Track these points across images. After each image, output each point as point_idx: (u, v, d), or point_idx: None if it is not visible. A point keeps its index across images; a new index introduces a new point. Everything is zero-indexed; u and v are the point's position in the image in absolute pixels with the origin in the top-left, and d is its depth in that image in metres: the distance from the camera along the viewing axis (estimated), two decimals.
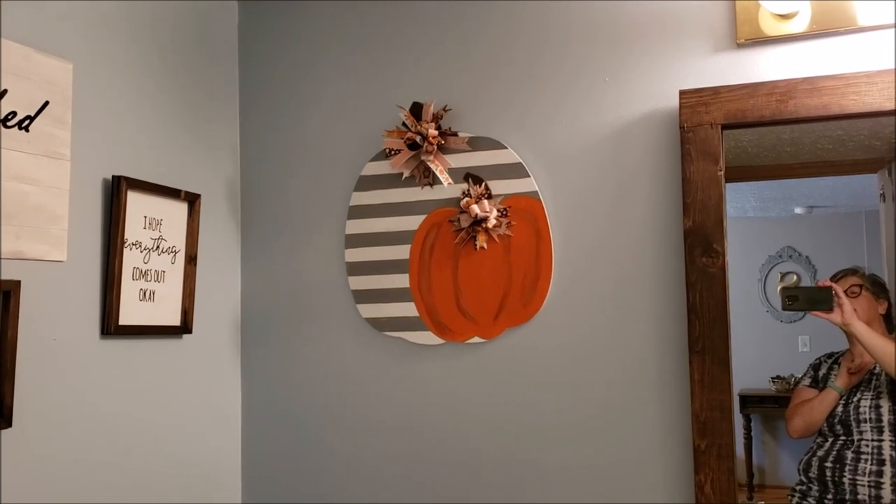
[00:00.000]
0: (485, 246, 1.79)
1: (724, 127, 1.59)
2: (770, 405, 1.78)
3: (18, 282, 1.38)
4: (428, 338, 1.85)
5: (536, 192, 1.76)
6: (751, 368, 1.72)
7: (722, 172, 1.59)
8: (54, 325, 1.49)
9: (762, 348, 1.76)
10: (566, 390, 1.73)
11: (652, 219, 1.68)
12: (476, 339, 1.81)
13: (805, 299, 1.61)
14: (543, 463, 1.73)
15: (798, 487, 1.64)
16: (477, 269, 1.80)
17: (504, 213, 1.77)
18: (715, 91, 1.60)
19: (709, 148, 1.60)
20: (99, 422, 1.59)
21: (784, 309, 1.62)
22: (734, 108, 1.59)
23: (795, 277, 1.77)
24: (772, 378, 1.75)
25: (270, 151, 2.02)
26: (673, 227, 1.65)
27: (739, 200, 1.75)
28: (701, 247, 1.59)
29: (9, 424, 1.37)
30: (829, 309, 1.58)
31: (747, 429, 1.79)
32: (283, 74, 2.02)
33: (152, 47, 1.76)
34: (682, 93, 1.62)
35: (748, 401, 1.76)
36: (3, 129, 1.38)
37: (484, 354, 1.81)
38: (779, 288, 1.75)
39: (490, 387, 1.79)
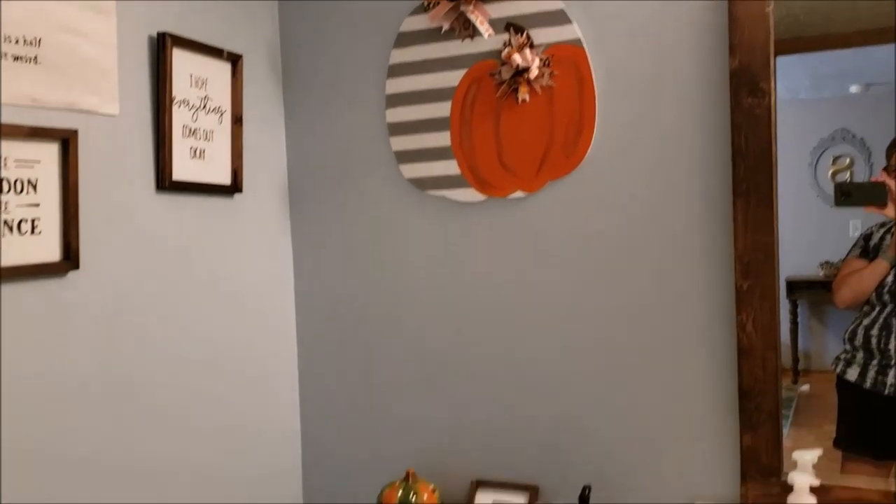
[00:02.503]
0: (527, 98, 1.78)
1: None
2: (818, 290, 1.77)
3: (75, 130, 1.43)
4: (470, 195, 1.87)
5: (579, 39, 1.74)
6: (799, 254, 1.70)
7: (770, 9, 1.55)
8: (111, 178, 1.55)
9: (812, 233, 1.74)
10: (609, 237, 1.75)
11: (697, 61, 1.65)
12: (518, 194, 1.83)
13: (858, 195, 1.61)
14: (587, 306, 1.78)
15: (843, 356, 1.66)
16: (519, 122, 1.81)
17: (546, 62, 1.76)
18: None
19: None
20: (156, 272, 1.66)
21: (837, 205, 1.62)
22: None
23: (848, 160, 1.74)
24: (820, 263, 1.74)
25: (309, 10, 2.01)
26: (718, 69, 1.63)
27: (791, 80, 1.69)
28: (747, 87, 1.57)
29: (77, 266, 1.45)
30: (884, 204, 1.57)
31: (793, 314, 1.79)
32: None
33: None
34: None
35: (795, 286, 1.75)
36: None
37: (526, 208, 1.83)
38: (830, 172, 1.73)
39: (533, 239, 1.82)
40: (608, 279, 1.76)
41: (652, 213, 1.71)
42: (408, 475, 1.79)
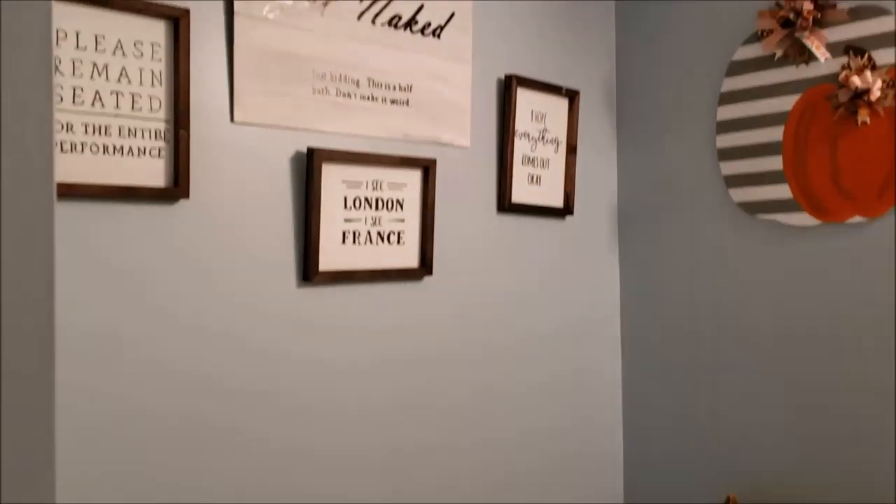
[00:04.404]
0: (867, 120, 1.70)
1: None
2: None
3: (434, 160, 1.72)
4: (803, 219, 1.83)
5: None
6: None
7: None
8: (460, 199, 1.82)
9: None
10: None
11: None
12: (857, 219, 1.75)
13: None
14: None
15: None
16: (858, 145, 1.73)
17: (891, 83, 1.67)
18: None
19: None
20: (495, 282, 1.89)
21: None
22: None
23: None
24: None
25: (643, 47, 2.13)
26: None
27: None
28: None
29: (430, 273, 1.73)
30: None
31: None
32: None
33: None
34: None
35: None
36: (421, 37, 1.71)
37: (865, 234, 1.74)
38: None
39: (876, 267, 1.72)
40: None
41: None
42: (728, 500, 1.79)
